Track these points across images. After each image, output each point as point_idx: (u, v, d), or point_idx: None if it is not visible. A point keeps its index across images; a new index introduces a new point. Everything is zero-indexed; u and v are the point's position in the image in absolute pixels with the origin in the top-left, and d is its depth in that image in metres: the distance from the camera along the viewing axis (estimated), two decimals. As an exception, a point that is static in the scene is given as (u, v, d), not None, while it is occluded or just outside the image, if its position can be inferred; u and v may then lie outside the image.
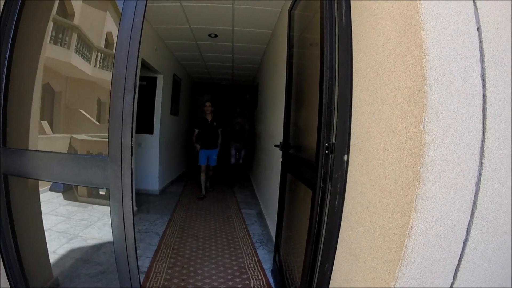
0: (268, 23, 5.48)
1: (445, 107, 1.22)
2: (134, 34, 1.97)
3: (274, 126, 5.08)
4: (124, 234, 2.05)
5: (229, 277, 3.57)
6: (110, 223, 2.10)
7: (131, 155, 1.99)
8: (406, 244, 1.25)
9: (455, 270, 1.39)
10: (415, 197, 1.22)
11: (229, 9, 5.02)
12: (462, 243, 1.36)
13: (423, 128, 1.20)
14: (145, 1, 2.01)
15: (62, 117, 4.90)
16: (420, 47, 1.22)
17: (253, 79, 10.75)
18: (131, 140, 1.98)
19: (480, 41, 1.32)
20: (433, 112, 1.20)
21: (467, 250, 1.38)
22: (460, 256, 1.38)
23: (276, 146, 3.59)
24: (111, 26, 4.75)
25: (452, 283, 1.40)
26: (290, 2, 3.41)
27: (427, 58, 1.20)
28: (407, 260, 1.27)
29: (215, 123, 7.29)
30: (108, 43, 5.07)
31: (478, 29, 1.32)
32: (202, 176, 7.36)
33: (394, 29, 1.40)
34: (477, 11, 1.33)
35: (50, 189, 4.62)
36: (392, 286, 1.31)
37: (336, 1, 1.93)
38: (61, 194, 4.80)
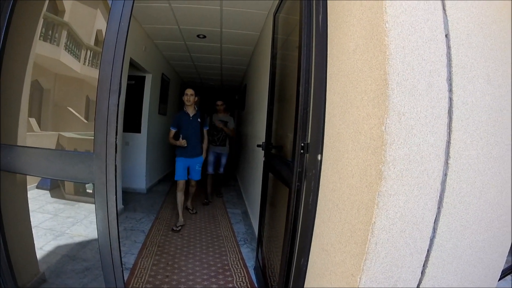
0: (256, 25, 5.53)
1: (407, 109, 1.27)
2: (120, 37, 2.04)
3: (259, 126, 5.12)
4: (108, 228, 2.12)
5: (212, 273, 3.63)
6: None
7: (115, 152, 2.06)
8: (370, 239, 1.30)
9: (423, 266, 1.44)
10: (377, 194, 1.27)
11: (217, 10, 5.06)
12: (429, 240, 1.41)
13: (385, 129, 1.25)
14: (132, 3, 2.08)
15: (50, 114, 4.90)
16: (384, 53, 1.27)
17: (241, 81, 10.75)
18: (116, 138, 2.05)
19: (448, 47, 1.37)
20: (395, 114, 1.25)
21: (434, 247, 1.42)
22: (428, 253, 1.43)
23: (258, 146, 3.65)
24: (101, 24, 4.76)
25: (421, 279, 1.45)
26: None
27: (390, 63, 1.25)
28: (371, 254, 1.32)
29: (199, 120, 5.25)
30: (98, 41, 5.08)
31: (447, 36, 1.37)
32: (180, 196, 5.24)
33: (363, 35, 1.46)
34: (447, 18, 1.38)
35: (37, 187, 4.63)
36: (358, 279, 1.36)
37: (314, 7, 2.00)
38: (48, 191, 4.81)
